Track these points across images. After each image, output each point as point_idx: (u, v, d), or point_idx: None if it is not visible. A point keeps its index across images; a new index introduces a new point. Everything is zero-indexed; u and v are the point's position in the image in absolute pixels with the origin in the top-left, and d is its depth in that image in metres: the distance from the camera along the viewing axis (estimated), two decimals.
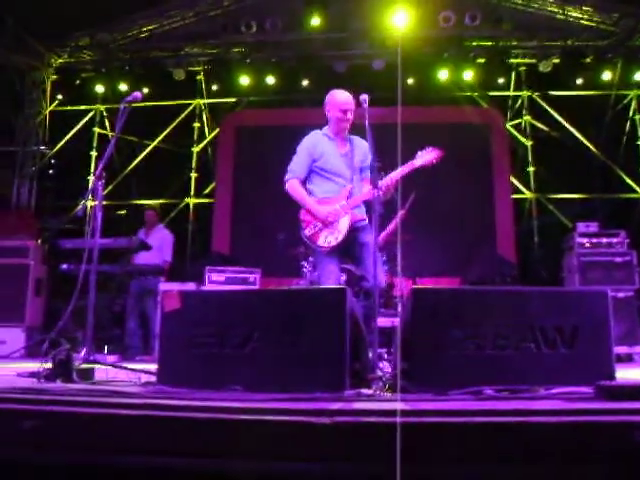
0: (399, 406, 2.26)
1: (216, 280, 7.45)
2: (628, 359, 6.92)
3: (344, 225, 4.02)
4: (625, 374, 4.11)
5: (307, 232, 4.11)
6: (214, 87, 10.58)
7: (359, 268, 4.28)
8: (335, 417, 2.12)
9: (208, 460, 2.25)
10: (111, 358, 6.24)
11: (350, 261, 4.48)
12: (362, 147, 4.20)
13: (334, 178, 4.15)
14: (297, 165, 4.29)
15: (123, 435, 2.32)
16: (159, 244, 7.41)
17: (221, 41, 10.15)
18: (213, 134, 11.07)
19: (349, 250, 4.17)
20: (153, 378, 3.12)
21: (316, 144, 4.27)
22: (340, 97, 4.17)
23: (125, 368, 3.43)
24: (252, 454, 2.21)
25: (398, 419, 2.08)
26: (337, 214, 4.06)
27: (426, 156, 4.02)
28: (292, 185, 4.26)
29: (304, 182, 4.30)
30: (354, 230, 4.10)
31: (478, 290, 3.24)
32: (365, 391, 2.62)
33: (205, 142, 11.14)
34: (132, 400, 2.42)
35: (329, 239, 4.03)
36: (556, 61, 9.95)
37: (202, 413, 2.30)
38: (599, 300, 2.99)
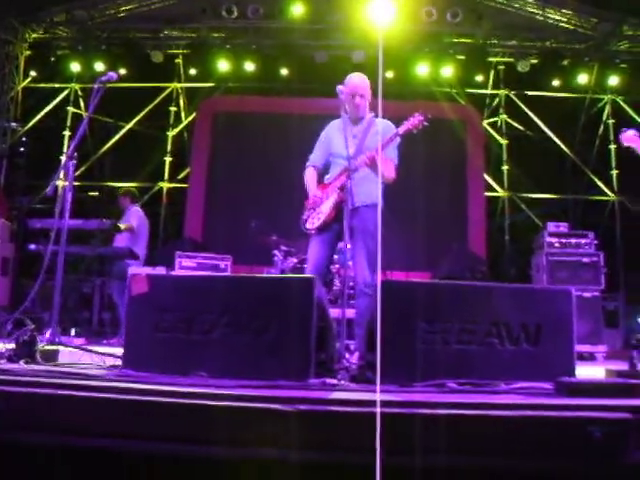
0: (363, 396, 2.28)
1: (187, 266, 7.39)
2: (591, 358, 7.06)
3: (327, 206, 4.01)
4: (586, 372, 4.20)
5: (303, 217, 4.13)
6: (192, 71, 10.42)
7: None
8: (298, 405, 2.13)
9: (170, 444, 2.25)
10: (78, 341, 6.17)
11: None
12: (380, 127, 4.11)
13: (337, 161, 4.15)
14: (313, 153, 4.38)
15: (85, 417, 2.31)
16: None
17: (201, 25, 10.02)
18: (189, 119, 10.95)
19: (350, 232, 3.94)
20: (119, 362, 3.10)
21: (327, 131, 4.34)
22: (350, 80, 4.16)
23: (90, 351, 3.40)
24: (215, 439, 2.22)
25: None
26: (319, 197, 4.07)
27: (410, 120, 3.99)
28: (305, 172, 4.34)
29: (323, 171, 4.34)
30: (345, 211, 3.82)
31: (446, 285, 3.27)
32: (330, 381, 2.64)
33: (181, 126, 11.01)
34: (95, 382, 2.40)
35: (313, 221, 4.05)
36: (534, 61, 10.05)
37: (166, 398, 2.30)
38: (563, 299, 3.05)
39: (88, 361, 3.26)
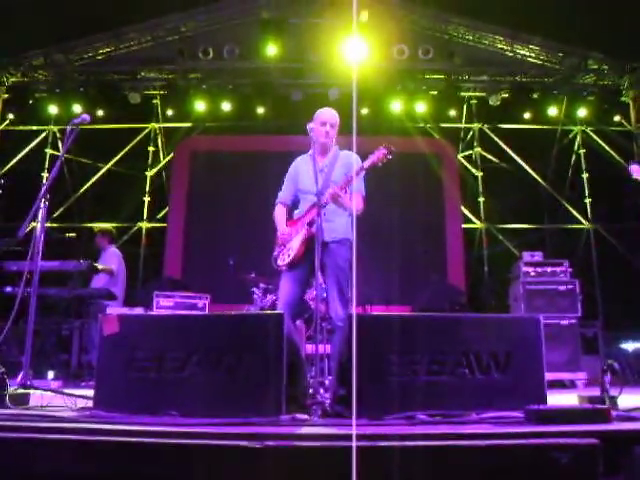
0: (330, 431, 2.29)
1: (164, 305, 7.34)
2: (571, 385, 7.07)
3: (296, 243, 3.98)
4: (561, 399, 4.23)
5: (274, 254, 4.11)
6: (170, 111, 10.54)
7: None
8: (265, 441, 2.13)
9: None
10: (55, 384, 6.08)
11: None
12: (345, 159, 4.15)
13: (306, 196, 4.13)
14: (282, 190, 4.38)
15: (53, 460, 2.28)
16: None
17: (178, 66, 10.17)
18: (167, 158, 11.04)
19: (321, 268, 3.89)
20: (91, 403, 3.07)
21: (295, 166, 4.34)
22: (321, 111, 4.21)
23: (61, 393, 3.37)
24: (185, 478, 2.20)
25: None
26: (288, 233, 4.06)
27: (375, 154, 3.99)
28: (275, 210, 4.34)
29: (292, 207, 4.33)
30: (315, 247, 3.70)
31: (415, 317, 3.30)
32: (300, 416, 2.63)
33: (159, 166, 11.08)
34: (62, 424, 2.38)
35: (284, 257, 4.02)
36: (505, 95, 10.30)
37: (135, 437, 2.28)
38: (531, 326, 3.09)
39: (60, 403, 3.23)
